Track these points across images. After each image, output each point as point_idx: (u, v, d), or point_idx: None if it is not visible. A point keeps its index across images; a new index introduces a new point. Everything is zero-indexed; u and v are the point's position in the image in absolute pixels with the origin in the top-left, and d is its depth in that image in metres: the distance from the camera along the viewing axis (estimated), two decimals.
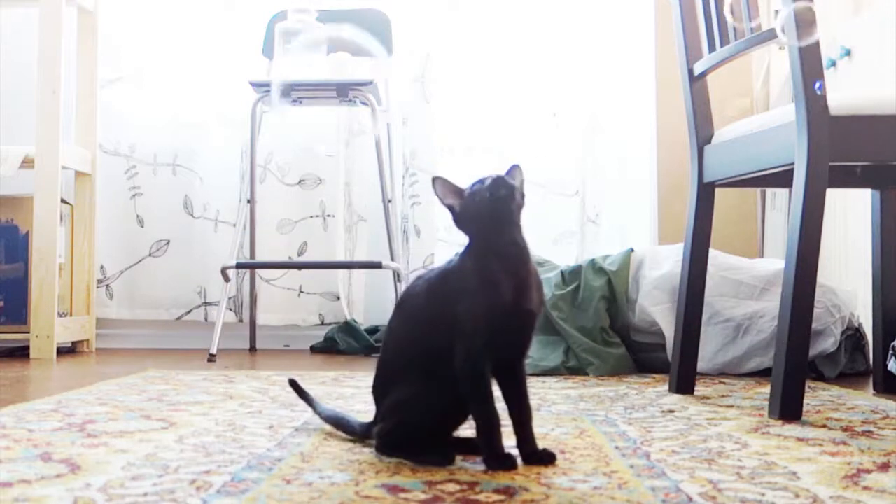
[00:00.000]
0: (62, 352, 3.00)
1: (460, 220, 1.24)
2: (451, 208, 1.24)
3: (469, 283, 1.19)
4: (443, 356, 1.20)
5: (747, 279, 2.47)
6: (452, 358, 1.19)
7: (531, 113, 3.34)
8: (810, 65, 1.59)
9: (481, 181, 1.23)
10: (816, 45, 1.60)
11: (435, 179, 1.24)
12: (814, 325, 1.96)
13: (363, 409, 1.67)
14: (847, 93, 1.70)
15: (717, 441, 1.40)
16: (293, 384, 1.56)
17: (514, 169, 1.25)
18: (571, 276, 2.59)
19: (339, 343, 3.12)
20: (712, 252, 2.07)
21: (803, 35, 1.42)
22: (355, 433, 1.38)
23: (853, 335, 2.43)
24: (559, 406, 1.80)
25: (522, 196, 1.23)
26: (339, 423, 1.43)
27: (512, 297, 1.18)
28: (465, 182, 1.26)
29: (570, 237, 3.33)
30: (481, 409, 1.19)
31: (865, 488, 1.09)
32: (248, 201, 3.13)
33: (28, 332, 2.86)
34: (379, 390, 1.30)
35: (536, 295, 1.21)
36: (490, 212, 1.20)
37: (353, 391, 1.99)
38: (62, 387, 2.09)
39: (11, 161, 2.87)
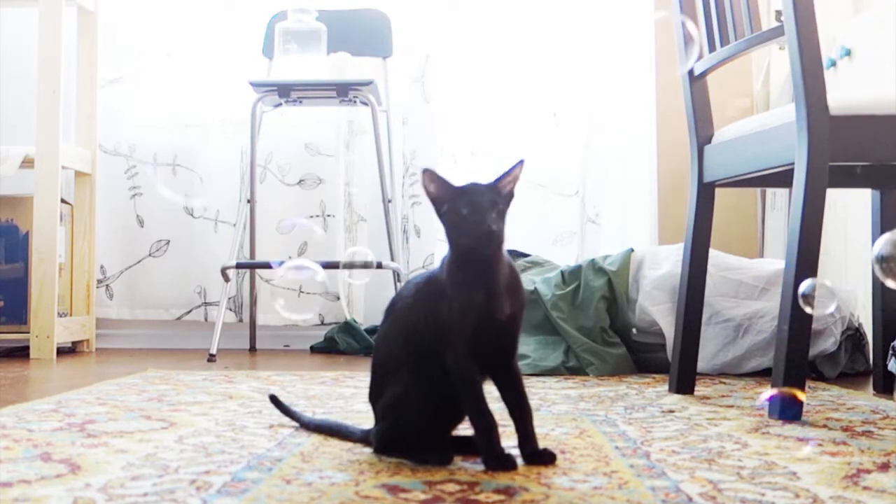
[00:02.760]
0: (62, 352, 3.00)
1: (441, 219, 1.22)
2: (434, 202, 1.22)
3: (446, 286, 1.20)
4: (432, 357, 1.20)
5: (747, 279, 2.47)
6: (441, 358, 1.20)
7: (531, 113, 3.34)
8: (810, 65, 1.59)
9: (474, 187, 1.21)
10: (816, 45, 1.61)
11: (424, 171, 1.21)
12: (814, 325, 1.96)
13: (363, 409, 1.67)
14: (847, 93, 1.70)
15: (717, 441, 1.40)
16: (274, 400, 1.55)
17: (518, 166, 1.23)
18: (571, 276, 2.59)
19: (339, 343, 3.12)
20: (712, 252, 2.07)
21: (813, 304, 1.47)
22: (355, 439, 1.37)
23: (853, 335, 2.43)
24: (559, 406, 1.80)
25: (511, 194, 1.22)
26: (337, 431, 1.41)
27: (484, 303, 1.19)
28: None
29: (570, 237, 3.33)
30: (476, 411, 1.20)
31: (865, 488, 1.09)
32: (248, 201, 3.13)
33: (28, 332, 2.86)
34: (374, 394, 1.29)
35: (509, 302, 1.21)
36: (470, 242, 1.19)
37: (353, 391, 1.99)
38: (62, 387, 2.08)
39: (11, 161, 2.87)
